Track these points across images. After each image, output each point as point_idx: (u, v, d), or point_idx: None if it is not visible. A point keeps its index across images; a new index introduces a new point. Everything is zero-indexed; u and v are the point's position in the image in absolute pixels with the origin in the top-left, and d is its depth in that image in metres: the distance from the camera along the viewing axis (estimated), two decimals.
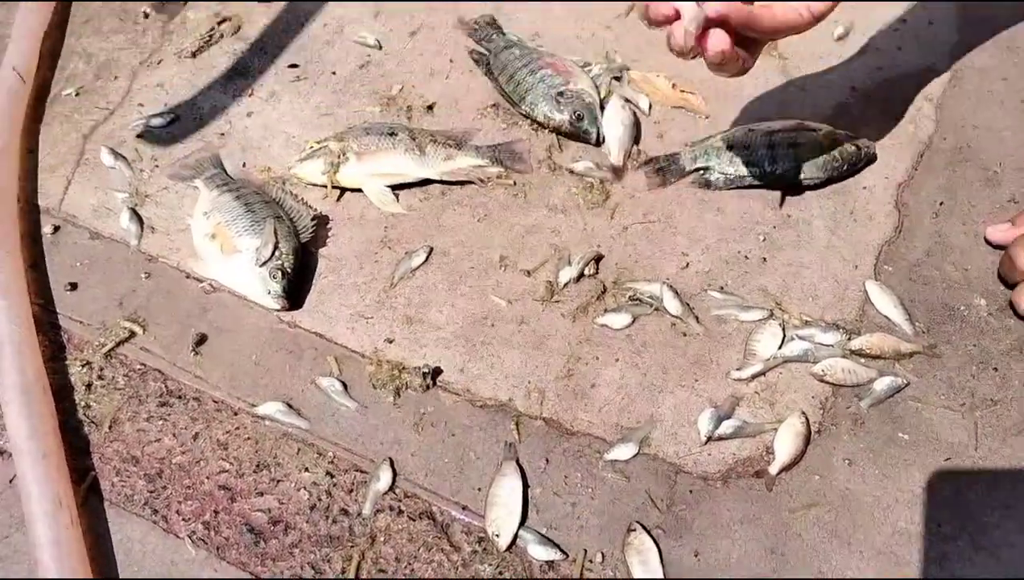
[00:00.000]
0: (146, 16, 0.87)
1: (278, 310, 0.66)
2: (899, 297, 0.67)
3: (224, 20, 0.86)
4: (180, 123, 0.79)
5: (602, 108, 0.79)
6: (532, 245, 0.71)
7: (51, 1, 0.86)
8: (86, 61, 0.84)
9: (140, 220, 0.72)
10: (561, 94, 0.77)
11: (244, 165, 0.76)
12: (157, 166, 0.76)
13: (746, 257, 0.70)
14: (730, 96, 0.82)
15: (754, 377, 0.64)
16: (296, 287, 0.66)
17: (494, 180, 0.75)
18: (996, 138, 0.78)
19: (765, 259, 0.70)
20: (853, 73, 0.83)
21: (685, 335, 0.66)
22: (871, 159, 0.76)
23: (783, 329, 0.65)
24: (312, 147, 0.74)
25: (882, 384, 0.62)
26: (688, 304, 0.67)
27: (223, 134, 0.78)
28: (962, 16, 0.88)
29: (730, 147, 0.75)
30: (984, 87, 0.82)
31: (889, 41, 0.86)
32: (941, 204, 0.73)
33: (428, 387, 0.63)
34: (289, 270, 0.66)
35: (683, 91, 0.82)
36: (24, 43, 0.81)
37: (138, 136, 0.77)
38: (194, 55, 0.84)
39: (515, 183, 0.75)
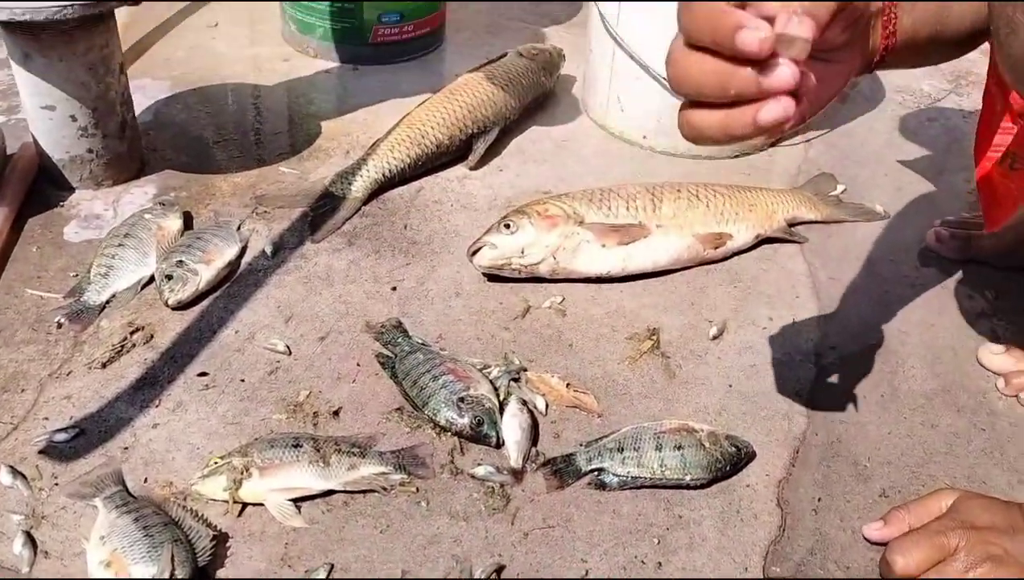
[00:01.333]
0: (60, 326, 0.90)
1: None
2: None
3: (137, 330, 0.90)
4: (85, 437, 0.79)
5: (501, 410, 0.83)
6: (434, 557, 0.72)
7: None
8: None
9: (34, 544, 0.70)
10: (462, 399, 0.82)
11: (146, 480, 0.76)
12: (57, 484, 0.75)
13: (642, 562, 0.72)
14: (620, 394, 0.88)
15: None
16: None
17: (397, 487, 0.77)
18: (862, 432, 0.85)
19: (660, 564, 0.72)
20: (729, 371, 0.91)
21: None
22: (751, 457, 0.81)
23: None
24: (215, 463, 0.75)
25: None
26: None
27: (127, 448, 0.79)
28: (823, 315, 0.99)
29: (621, 449, 0.80)
30: (847, 381, 0.90)
31: (759, 338, 0.95)
32: (819, 500, 0.78)
33: None
34: None
35: (576, 391, 0.87)
36: None
37: (40, 452, 0.77)
38: (104, 366, 0.86)
39: (418, 490, 0.77)
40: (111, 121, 1.05)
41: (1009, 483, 0.81)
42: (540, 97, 1.32)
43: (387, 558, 0.72)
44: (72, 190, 1.08)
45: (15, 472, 0.76)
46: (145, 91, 1.29)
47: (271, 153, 1.19)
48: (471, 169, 1.19)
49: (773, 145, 1.29)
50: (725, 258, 1.06)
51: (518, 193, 1.16)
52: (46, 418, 0.81)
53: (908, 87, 1.49)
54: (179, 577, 0.66)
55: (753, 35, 0.42)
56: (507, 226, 0.98)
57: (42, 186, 1.08)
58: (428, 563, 0.71)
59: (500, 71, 1.26)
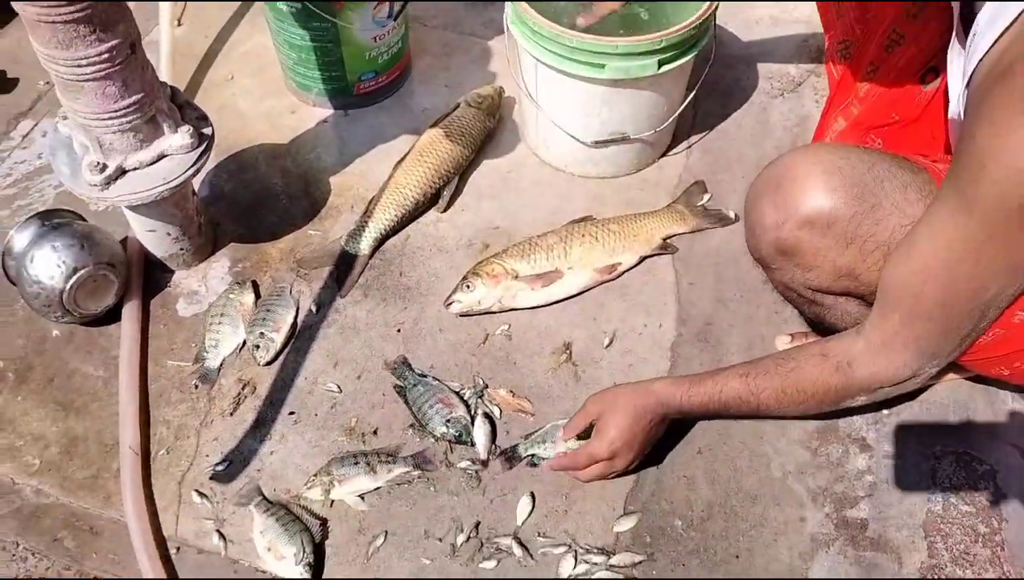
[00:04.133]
0: (196, 387, 1.44)
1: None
2: None
3: (245, 385, 1.44)
4: (233, 466, 1.35)
5: (473, 421, 1.38)
6: (441, 519, 1.29)
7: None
8: (166, 426, 1.40)
9: (223, 537, 1.28)
10: (448, 420, 1.36)
11: (275, 490, 1.33)
12: (226, 498, 1.32)
13: (555, 510, 1.30)
14: (545, 398, 1.42)
15: None
16: (318, 569, 1.24)
17: (416, 479, 1.33)
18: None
19: (567, 510, 1.30)
20: (615, 371, 1.44)
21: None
22: None
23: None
24: (312, 479, 1.31)
25: None
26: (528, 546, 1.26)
27: (259, 470, 1.35)
28: (680, 317, 1.50)
29: (544, 440, 1.35)
30: (688, 369, 1.43)
31: (637, 342, 1.47)
32: (663, 462, 1.34)
33: None
34: (312, 563, 1.23)
35: (518, 398, 1.41)
36: (129, 425, 1.37)
37: (211, 478, 1.34)
38: (231, 414, 1.41)
39: (428, 479, 1.33)
40: (191, 228, 1.53)
41: (775, 450, 1.36)
42: (488, 135, 1.75)
43: (414, 523, 1.29)
44: (172, 272, 1.58)
45: (200, 494, 1.33)
46: None
47: (298, 214, 1.67)
48: (441, 213, 1.66)
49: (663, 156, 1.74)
50: (619, 276, 1.56)
51: (477, 230, 1.64)
52: (207, 455, 1.37)
53: (778, 72, 1.88)
54: (306, 550, 1.24)
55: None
56: (468, 286, 1.48)
57: (150, 270, 1.58)
58: (438, 523, 1.29)
59: (455, 126, 1.68)
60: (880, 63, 1.33)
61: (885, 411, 1.37)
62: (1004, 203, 0.89)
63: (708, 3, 1.48)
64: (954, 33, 1.06)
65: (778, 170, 1.15)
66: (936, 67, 1.26)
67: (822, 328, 1.33)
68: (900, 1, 1.27)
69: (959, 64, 1.02)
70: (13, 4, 1.14)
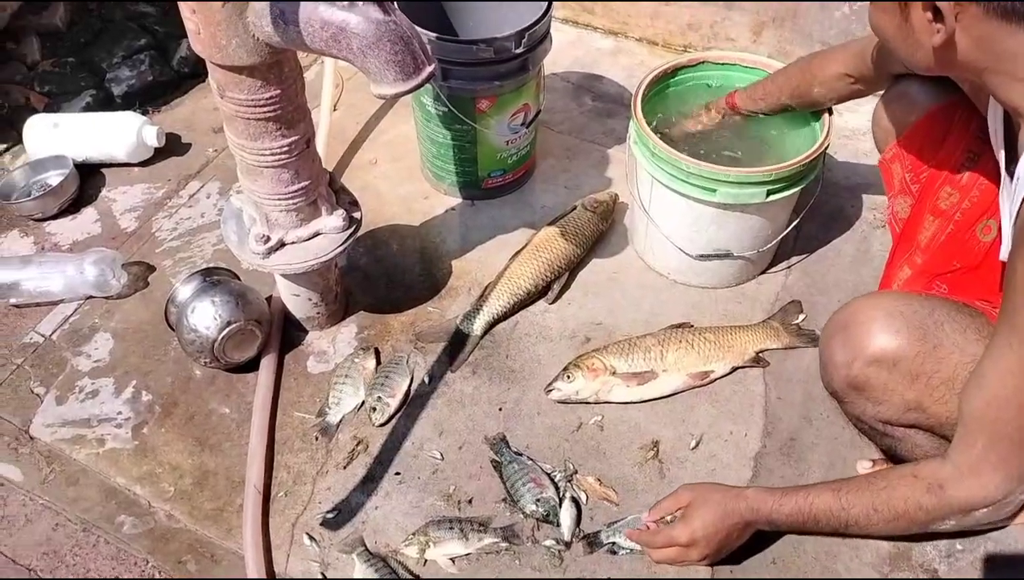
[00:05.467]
0: (316, 439, 1.60)
1: None
2: None
3: (359, 442, 1.59)
4: (341, 515, 1.50)
5: (561, 502, 1.49)
6: None
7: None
8: (287, 471, 1.56)
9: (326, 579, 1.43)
10: (538, 499, 1.48)
11: (376, 543, 1.46)
12: (332, 544, 1.47)
13: None
14: (630, 490, 1.52)
15: None
16: None
17: (503, 550, 1.45)
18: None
19: None
20: (697, 473, 1.53)
21: None
22: None
23: None
24: (410, 537, 1.45)
25: None
26: None
27: (364, 522, 1.49)
28: (766, 429, 1.59)
29: (624, 530, 1.45)
30: (769, 481, 1.51)
31: (721, 448, 1.56)
32: (737, 564, 1.42)
33: None
34: None
35: (605, 487, 1.52)
36: (256, 466, 1.53)
37: (321, 524, 1.49)
38: (345, 467, 1.56)
39: (515, 552, 1.45)
40: (329, 295, 1.71)
41: (852, 557, 1.42)
42: (600, 237, 1.90)
43: None
44: (306, 332, 1.76)
45: (310, 537, 1.47)
46: None
47: (421, 291, 1.84)
48: (550, 304, 1.80)
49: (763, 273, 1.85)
50: (710, 383, 1.66)
51: (581, 324, 1.77)
52: (320, 502, 1.52)
53: (882, 204, 1.97)
54: None
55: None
56: (568, 377, 1.60)
57: (288, 328, 1.77)
58: None
59: (570, 226, 1.84)
60: (936, 216, 1.45)
61: (959, 546, 1.42)
62: None
63: (819, 141, 1.60)
64: (1002, 180, 1.16)
65: (845, 314, 1.28)
66: (992, 219, 1.36)
67: (896, 460, 1.39)
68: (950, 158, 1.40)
69: (1008, 208, 1.12)
70: (217, 101, 1.36)
